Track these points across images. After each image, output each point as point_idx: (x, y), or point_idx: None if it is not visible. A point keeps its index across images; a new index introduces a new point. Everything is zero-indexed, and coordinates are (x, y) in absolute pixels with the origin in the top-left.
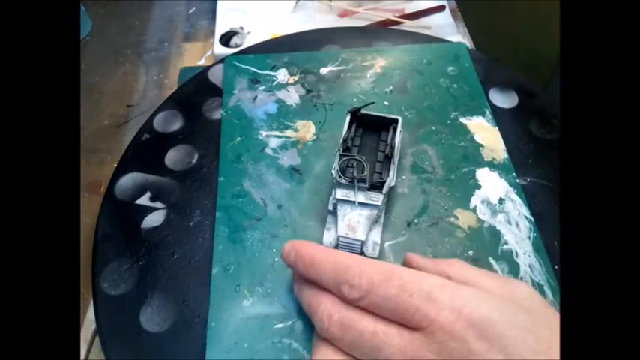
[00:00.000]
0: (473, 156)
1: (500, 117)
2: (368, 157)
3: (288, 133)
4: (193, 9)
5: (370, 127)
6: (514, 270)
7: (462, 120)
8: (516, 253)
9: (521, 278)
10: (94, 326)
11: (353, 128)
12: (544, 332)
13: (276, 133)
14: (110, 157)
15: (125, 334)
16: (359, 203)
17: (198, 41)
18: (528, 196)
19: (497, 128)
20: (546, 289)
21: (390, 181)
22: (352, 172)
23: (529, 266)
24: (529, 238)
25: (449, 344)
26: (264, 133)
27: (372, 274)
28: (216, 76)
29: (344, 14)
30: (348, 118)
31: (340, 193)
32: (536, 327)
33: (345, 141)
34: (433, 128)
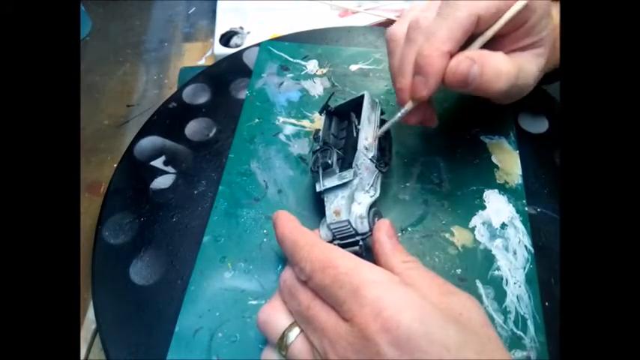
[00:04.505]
0: (485, 176)
1: (525, 141)
2: (349, 143)
3: (305, 122)
4: (193, 9)
5: (347, 117)
6: (500, 298)
7: (483, 138)
8: (506, 281)
9: (505, 307)
10: (94, 326)
11: (334, 124)
12: (467, 354)
13: (293, 120)
14: (110, 156)
15: (114, 281)
16: (337, 186)
17: (198, 41)
18: (535, 226)
19: (517, 152)
20: (530, 323)
21: (362, 153)
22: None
23: (517, 297)
24: (524, 268)
25: (362, 341)
26: (281, 119)
27: (314, 261)
28: (249, 58)
29: (344, 14)
30: (323, 118)
31: (319, 186)
32: (461, 346)
33: (316, 138)
34: (450, 141)
